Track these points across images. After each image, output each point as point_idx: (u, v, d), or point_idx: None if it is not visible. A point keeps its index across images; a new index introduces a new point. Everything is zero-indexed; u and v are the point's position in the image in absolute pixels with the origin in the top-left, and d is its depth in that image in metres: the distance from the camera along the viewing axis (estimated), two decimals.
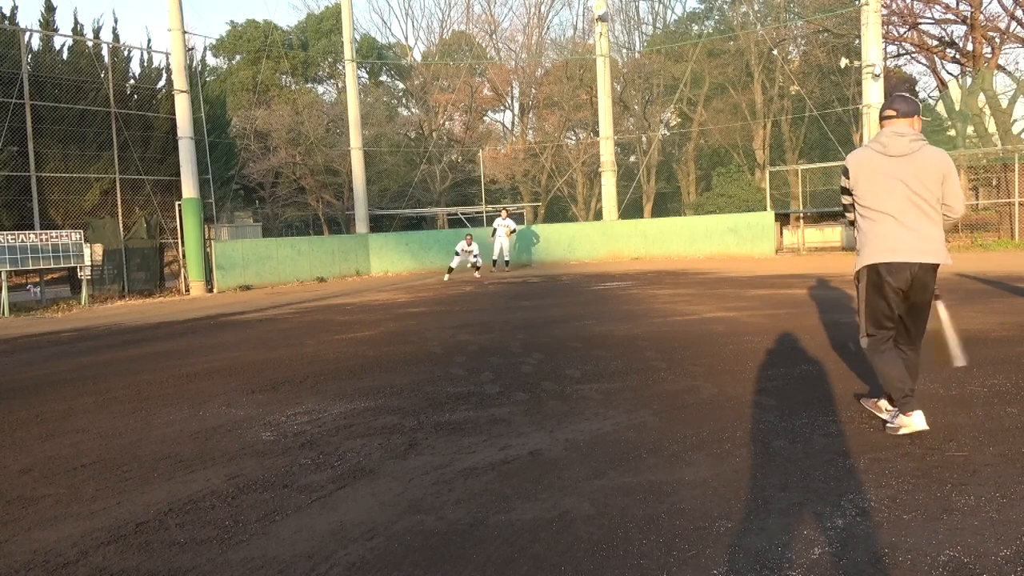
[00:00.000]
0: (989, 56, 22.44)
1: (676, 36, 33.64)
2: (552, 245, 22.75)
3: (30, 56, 16.67)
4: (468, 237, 18.69)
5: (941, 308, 4.07)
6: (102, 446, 4.30)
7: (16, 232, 14.51)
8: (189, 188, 17.49)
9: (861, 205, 3.81)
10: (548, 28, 44.99)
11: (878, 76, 18.62)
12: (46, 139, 16.34)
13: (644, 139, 31.92)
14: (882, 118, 3.84)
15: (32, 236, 14.61)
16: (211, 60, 34.48)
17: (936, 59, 25.21)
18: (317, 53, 35.30)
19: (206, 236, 17.80)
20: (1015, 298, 8.64)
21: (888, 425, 3.79)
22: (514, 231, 20.63)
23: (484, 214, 27.13)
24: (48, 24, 17.99)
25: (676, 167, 34.35)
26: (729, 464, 3.40)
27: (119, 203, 17.20)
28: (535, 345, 7.02)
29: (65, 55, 17.93)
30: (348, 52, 22.79)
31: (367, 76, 37.35)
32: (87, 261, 15.35)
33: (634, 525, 2.78)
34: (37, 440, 4.52)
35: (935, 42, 24.78)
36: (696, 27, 33.62)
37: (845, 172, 3.87)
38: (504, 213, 20.51)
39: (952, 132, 21.73)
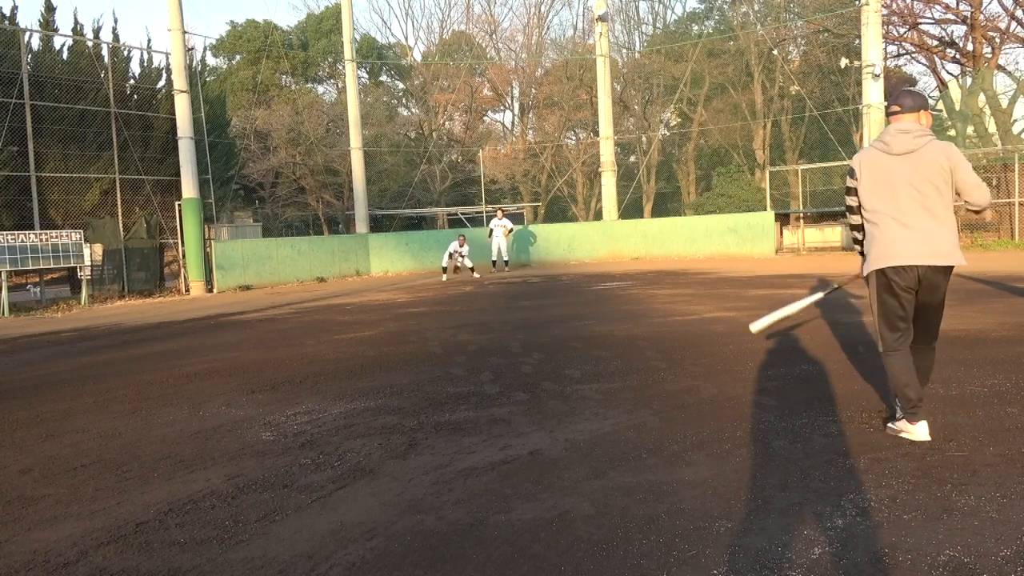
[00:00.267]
0: (989, 56, 22.45)
1: (676, 36, 33.63)
2: (552, 245, 22.74)
3: (30, 56, 16.67)
4: (461, 238, 18.73)
5: (813, 297, 4.32)
6: (102, 446, 4.30)
7: (16, 232, 14.52)
8: (189, 188, 17.49)
9: (865, 207, 3.70)
10: (548, 28, 45.02)
11: (878, 76, 18.62)
12: (46, 139, 16.35)
13: (644, 139, 31.92)
14: (888, 114, 3.72)
15: (32, 236, 14.61)
16: (211, 60, 34.51)
17: (936, 59, 25.22)
18: (317, 53, 35.29)
19: (206, 236, 17.80)
20: (1015, 298, 8.64)
21: (889, 426, 3.78)
22: (511, 230, 20.62)
23: (484, 214, 27.13)
24: (48, 24, 17.99)
25: (676, 167, 34.35)
26: (729, 464, 3.40)
27: (119, 203, 17.20)
28: (535, 345, 7.02)
29: (65, 55, 17.94)
30: (348, 52, 22.80)
31: (367, 76, 37.35)
32: (87, 261, 15.35)
33: (634, 525, 2.78)
34: (37, 440, 4.52)
35: (935, 42, 24.79)
36: (696, 27, 33.61)
37: (851, 173, 3.76)
38: (500, 213, 20.50)
39: (952, 132, 21.73)
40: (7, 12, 17.49)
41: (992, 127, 21.05)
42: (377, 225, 27.33)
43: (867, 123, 18.98)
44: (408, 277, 19.96)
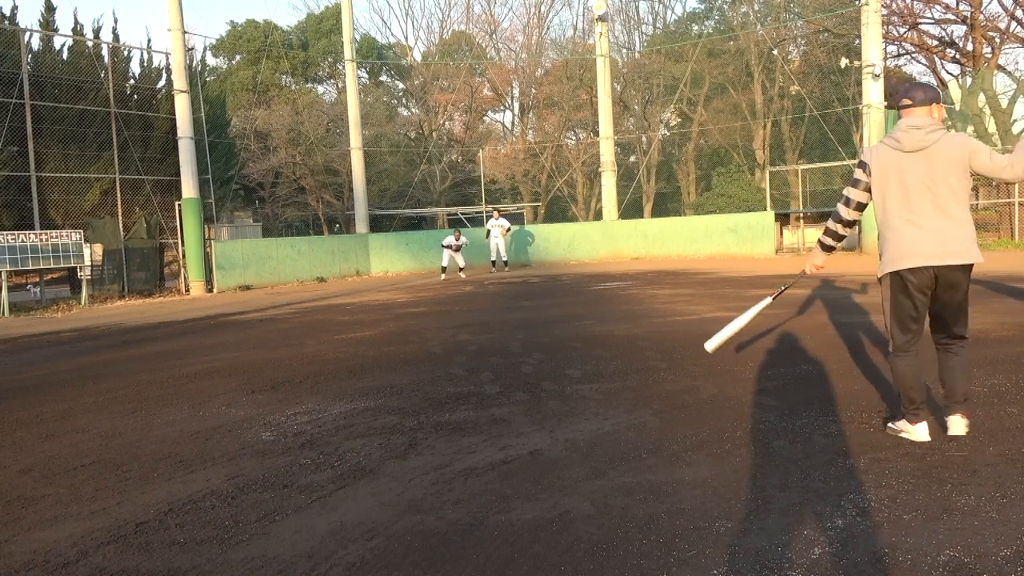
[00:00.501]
0: (989, 56, 22.45)
1: (676, 36, 33.64)
2: (552, 245, 22.74)
3: (30, 56, 16.67)
4: (456, 233, 18.81)
5: (760, 305, 4.27)
6: (102, 446, 4.30)
7: (16, 232, 14.51)
8: (189, 188, 17.49)
9: (876, 207, 3.59)
10: (548, 28, 45.02)
11: (878, 76, 18.62)
12: (46, 139, 16.35)
13: (644, 139, 31.92)
14: (899, 107, 3.58)
15: (32, 236, 14.61)
16: (211, 60, 34.51)
17: (936, 59, 25.22)
18: (317, 53, 35.29)
19: (206, 236, 17.80)
20: (1015, 298, 8.64)
21: (889, 426, 3.77)
22: (509, 230, 20.62)
23: (484, 214, 27.12)
24: (48, 24, 17.99)
25: (676, 167, 34.35)
26: (729, 464, 3.40)
27: (119, 203, 17.20)
28: (535, 345, 7.02)
29: (65, 55, 17.94)
30: (348, 52, 22.79)
31: (367, 76, 37.35)
32: (87, 261, 15.35)
33: (634, 525, 2.78)
34: (37, 440, 4.52)
35: (935, 42, 24.79)
36: (696, 27, 33.62)
37: (862, 165, 3.62)
38: (496, 214, 20.48)
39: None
40: (7, 12, 17.50)
41: (992, 127, 21.05)
42: (377, 225, 27.33)
43: (867, 123, 18.98)
44: (408, 277, 19.96)
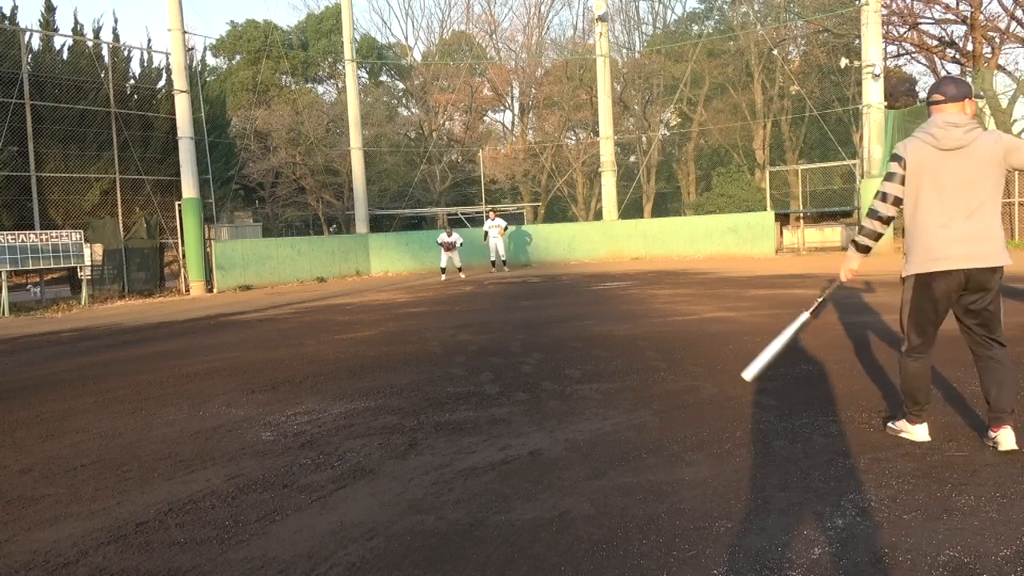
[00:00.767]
0: (989, 56, 22.45)
1: (676, 36, 33.64)
2: (552, 245, 22.74)
3: (30, 56, 16.67)
4: (449, 230, 18.87)
5: (797, 323, 3.84)
6: (102, 446, 4.30)
7: (16, 232, 14.52)
8: (189, 188, 17.49)
9: (906, 205, 3.43)
10: (548, 28, 45.01)
11: (878, 76, 18.62)
12: (46, 139, 16.35)
13: (644, 139, 31.92)
14: (929, 103, 3.44)
15: (32, 236, 14.61)
16: (211, 60, 34.52)
17: (936, 59, 25.24)
18: (317, 53, 35.30)
19: (206, 236, 17.80)
20: (1015, 299, 8.63)
21: (889, 425, 3.76)
22: (506, 229, 20.62)
23: (484, 214, 27.14)
24: (48, 24, 17.99)
25: (676, 167, 34.36)
26: (729, 464, 3.40)
27: (119, 203, 17.21)
28: (535, 345, 7.02)
29: (65, 55, 17.95)
30: (348, 52, 22.80)
31: (367, 76, 37.35)
32: (87, 261, 15.35)
33: (634, 525, 2.78)
34: (37, 440, 4.52)
35: (935, 42, 24.80)
36: (696, 27, 33.62)
37: (897, 159, 3.42)
38: (492, 215, 20.46)
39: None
40: (7, 12, 17.51)
41: (992, 127, 21.04)
42: (377, 225, 27.34)
43: (867, 123, 18.98)
44: (408, 277, 19.96)
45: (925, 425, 3.58)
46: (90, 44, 18.17)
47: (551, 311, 9.87)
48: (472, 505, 3.07)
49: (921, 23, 24.40)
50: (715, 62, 30.43)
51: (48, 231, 15.07)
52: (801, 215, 22.66)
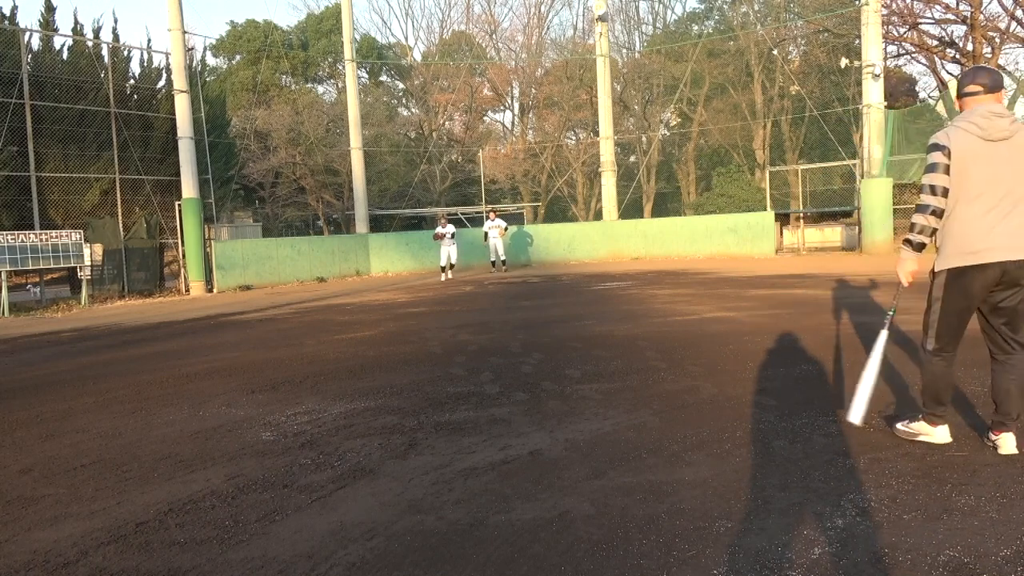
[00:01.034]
0: (989, 56, 22.44)
1: (676, 36, 33.63)
2: (552, 245, 22.74)
3: (30, 56, 16.67)
4: (443, 220, 18.68)
5: (880, 345, 3.55)
6: (102, 446, 4.30)
7: (16, 232, 14.52)
8: (189, 188, 17.49)
9: (949, 196, 3.28)
10: (548, 28, 45.03)
11: (878, 76, 18.61)
12: (46, 139, 16.35)
13: (644, 139, 31.92)
14: (963, 95, 3.35)
15: (32, 236, 14.61)
16: (211, 60, 34.51)
17: (936, 59, 25.23)
18: (317, 53, 35.29)
19: (206, 236, 17.80)
20: None
21: (900, 427, 3.63)
22: (507, 229, 20.61)
23: (484, 214, 27.14)
24: (48, 24, 17.99)
25: (676, 167, 34.35)
26: (729, 464, 3.40)
27: (119, 203, 17.21)
28: (535, 345, 7.02)
29: (65, 55, 17.94)
30: (348, 52, 22.80)
31: (367, 76, 37.35)
32: (87, 261, 15.35)
33: (634, 525, 2.78)
34: (37, 440, 4.52)
35: (935, 42, 24.79)
36: (696, 27, 33.62)
37: (941, 148, 3.26)
38: (492, 215, 20.43)
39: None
40: (7, 12, 17.50)
41: None
42: (377, 225, 27.33)
43: (867, 123, 18.97)
44: (408, 277, 19.96)
45: (946, 427, 3.48)
46: (90, 44, 18.16)
47: (551, 311, 9.87)
48: (472, 505, 3.07)
49: (921, 23, 24.40)
50: (715, 62, 30.42)
51: (48, 231, 15.07)
52: (801, 215, 22.66)
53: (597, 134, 25.20)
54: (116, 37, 19.07)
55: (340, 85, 33.82)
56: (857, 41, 21.42)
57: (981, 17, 22.46)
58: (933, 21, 24.19)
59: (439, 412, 4.63)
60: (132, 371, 6.86)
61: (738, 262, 18.22)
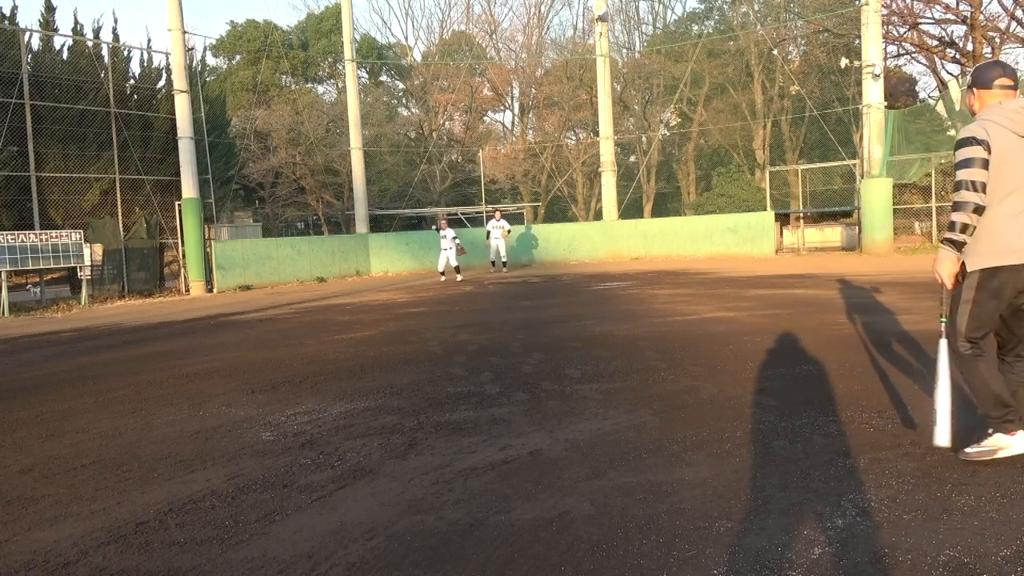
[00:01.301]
0: (989, 56, 22.43)
1: (676, 36, 33.63)
2: (552, 245, 22.74)
3: (30, 56, 16.67)
4: (443, 222, 18.36)
5: (943, 357, 3.31)
6: (102, 446, 4.30)
7: (16, 232, 14.52)
8: (189, 188, 17.49)
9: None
10: (548, 28, 45.03)
11: (878, 76, 18.61)
12: (46, 139, 16.35)
13: (644, 139, 31.92)
14: (989, 87, 3.23)
15: (32, 236, 14.61)
16: (211, 60, 34.51)
17: (936, 59, 25.24)
18: (317, 53, 35.29)
19: (206, 236, 17.80)
20: None
21: (969, 451, 3.29)
22: (509, 231, 20.58)
23: (484, 214, 27.12)
24: (48, 24, 17.99)
25: (676, 167, 34.35)
26: (729, 464, 3.40)
27: (119, 203, 17.21)
28: (535, 345, 7.02)
29: (65, 55, 17.94)
30: (348, 52, 22.80)
31: (367, 76, 37.34)
32: (87, 261, 15.35)
33: (634, 525, 2.78)
34: (37, 440, 4.52)
35: (935, 42, 24.80)
36: (696, 27, 33.61)
37: (979, 142, 3.11)
38: (498, 215, 20.40)
39: (952, 132, 21.73)
40: (7, 12, 17.50)
41: None
42: (377, 225, 27.33)
43: (867, 123, 18.97)
44: (408, 277, 19.96)
45: (1022, 432, 3.20)
46: (90, 44, 18.16)
47: (551, 311, 9.87)
48: (472, 505, 3.07)
49: (921, 23, 24.41)
50: (715, 62, 30.42)
51: (48, 231, 15.07)
52: (801, 215, 22.66)
53: (597, 134, 25.20)
54: (116, 37, 19.08)
55: (340, 85, 33.82)
56: (857, 41, 21.42)
57: (981, 17, 22.46)
58: (933, 21, 24.20)
59: (439, 412, 4.63)
60: (132, 371, 6.86)
61: (738, 262, 18.22)
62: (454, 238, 17.97)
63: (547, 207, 35.22)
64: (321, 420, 4.60)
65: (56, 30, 18.06)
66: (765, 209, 22.31)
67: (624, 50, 35.55)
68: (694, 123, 31.38)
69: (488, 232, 20.10)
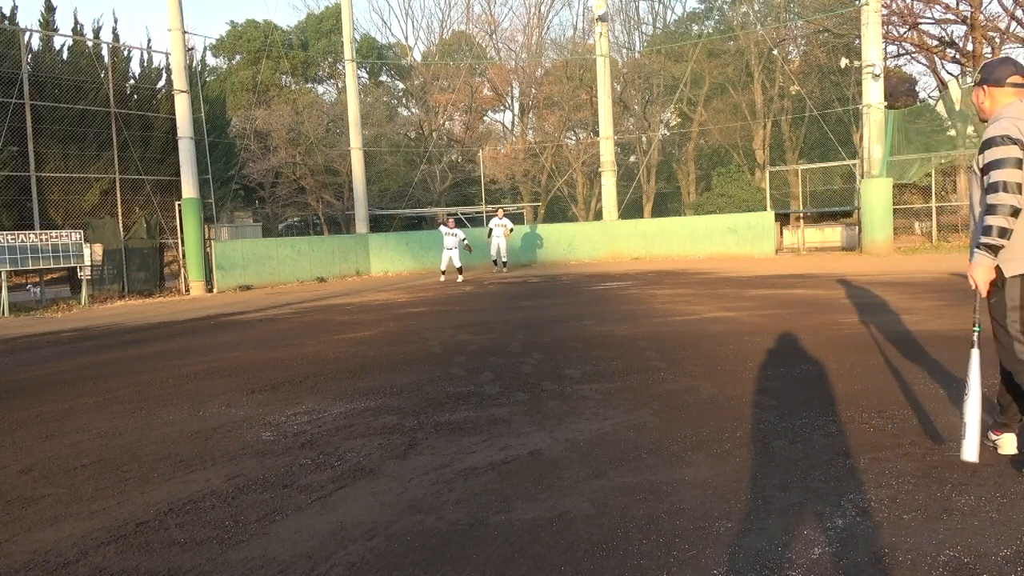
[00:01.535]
0: (989, 56, 22.43)
1: (676, 36, 33.63)
2: (552, 245, 22.74)
3: (30, 56, 16.66)
4: (451, 220, 18.20)
5: (975, 365, 3.19)
6: (102, 446, 4.30)
7: (16, 232, 14.51)
8: (189, 188, 17.49)
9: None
10: (548, 28, 45.03)
11: (878, 76, 18.61)
12: (46, 139, 16.35)
13: (644, 139, 31.92)
14: (993, 83, 3.18)
15: (32, 236, 14.61)
16: (211, 60, 34.51)
17: (936, 59, 25.24)
18: (317, 53, 35.29)
19: (206, 236, 17.80)
20: None
21: None
22: (512, 230, 20.57)
23: (484, 214, 27.13)
24: (48, 24, 17.99)
25: (676, 167, 34.35)
26: (729, 464, 3.40)
27: (119, 203, 17.20)
28: (535, 345, 7.02)
29: (65, 55, 17.94)
30: (348, 52, 22.80)
31: (367, 76, 37.34)
32: (87, 261, 15.35)
33: (634, 525, 2.78)
34: (37, 440, 4.52)
35: (935, 42, 24.81)
36: (696, 27, 33.61)
37: (1016, 142, 3.01)
38: (500, 213, 20.38)
39: (952, 132, 21.74)
40: (7, 12, 17.50)
41: None
42: (377, 225, 27.33)
43: (867, 123, 18.97)
44: (408, 277, 19.96)
45: None
46: (90, 44, 18.16)
47: (551, 311, 9.87)
48: (472, 505, 3.07)
49: (921, 23, 24.42)
50: (715, 62, 30.42)
51: (48, 231, 15.07)
52: (801, 215, 22.66)
53: (597, 134, 25.19)
54: (116, 37, 19.08)
55: (340, 85, 33.82)
56: (857, 41, 21.42)
57: (981, 17, 22.47)
58: (933, 21, 24.21)
59: (439, 412, 4.63)
60: (132, 371, 6.86)
61: (738, 262, 18.22)
62: (463, 239, 17.92)
63: (547, 207, 35.22)
64: (321, 420, 4.60)
65: (56, 30, 18.06)
66: (765, 209, 22.30)
67: (624, 50, 35.57)
68: (694, 123, 31.38)
69: (490, 230, 20.08)
